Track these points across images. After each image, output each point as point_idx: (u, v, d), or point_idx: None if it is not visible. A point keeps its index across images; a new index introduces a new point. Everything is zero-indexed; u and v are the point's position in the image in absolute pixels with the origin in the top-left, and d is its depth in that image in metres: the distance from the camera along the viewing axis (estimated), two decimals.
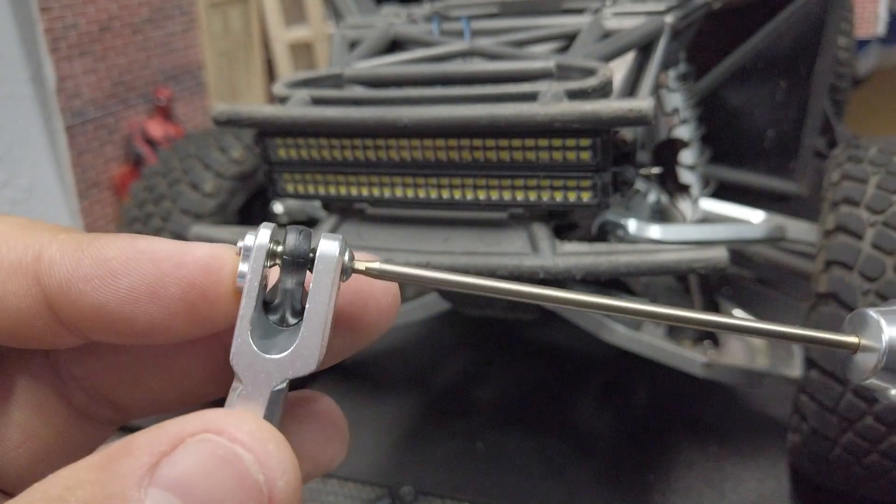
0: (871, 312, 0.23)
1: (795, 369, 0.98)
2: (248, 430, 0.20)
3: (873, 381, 0.23)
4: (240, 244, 0.23)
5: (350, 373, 1.39)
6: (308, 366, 0.23)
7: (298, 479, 0.20)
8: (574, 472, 1.08)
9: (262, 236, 0.23)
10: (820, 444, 0.87)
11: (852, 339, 0.24)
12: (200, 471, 0.19)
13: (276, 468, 0.20)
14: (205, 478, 0.19)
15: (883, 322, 0.23)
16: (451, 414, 1.23)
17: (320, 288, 0.22)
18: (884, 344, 0.23)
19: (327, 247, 0.23)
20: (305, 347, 0.23)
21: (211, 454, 0.20)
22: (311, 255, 0.23)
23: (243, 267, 0.23)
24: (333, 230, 0.86)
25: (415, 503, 1.04)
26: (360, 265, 0.23)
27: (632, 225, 0.92)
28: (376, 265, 0.24)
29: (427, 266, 0.95)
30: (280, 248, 0.23)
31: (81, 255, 0.23)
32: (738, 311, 1.09)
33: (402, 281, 0.24)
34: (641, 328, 1.02)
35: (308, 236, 0.23)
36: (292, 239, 0.23)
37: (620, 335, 0.99)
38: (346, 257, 0.23)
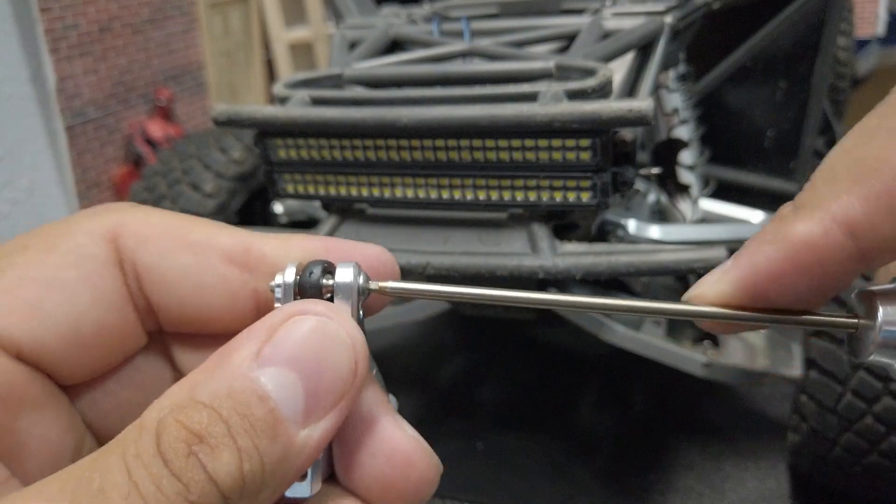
0: (870, 289, 0.24)
1: (795, 369, 0.98)
2: (323, 306, 0.24)
3: (876, 359, 0.23)
4: (271, 284, 0.26)
5: None
6: None
7: (364, 337, 0.25)
8: (574, 472, 1.08)
9: (288, 274, 0.26)
10: (820, 445, 0.88)
11: (852, 319, 0.24)
12: (300, 342, 0.23)
13: (351, 327, 0.24)
14: (305, 346, 0.23)
15: (879, 299, 0.23)
16: (451, 414, 1.23)
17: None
18: (879, 320, 0.23)
19: (343, 274, 0.26)
20: None
21: (304, 328, 0.24)
22: (324, 282, 0.26)
23: (277, 303, 0.26)
24: (333, 230, 0.86)
25: None
26: (374, 285, 0.27)
27: (631, 225, 0.92)
28: (390, 284, 0.27)
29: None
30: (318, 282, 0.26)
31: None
32: None
33: (415, 297, 0.28)
34: (641, 328, 1.02)
35: (322, 270, 0.26)
36: (310, 271, 0.26)
37: (620, 335, 0.99)
38: (362, 280, 0.26)
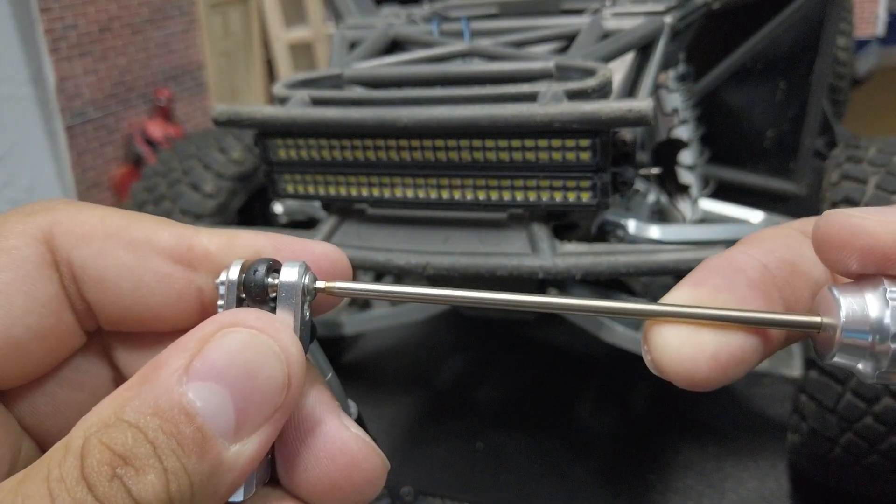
0: (832, 290, 0.23)
1: (795, 369, 0.98)
2: (255, 317, 0.24)
3: (839, 360, 0.23)
4: (217, 281, 0.26)
5: (348, 373, 1.39)
6: None
7: (301, 350, 0.24)
8: (574, 472, 1.08)
9: (232, 273, 0.25)
10: (820, 445, 0.88)
11: (815, 319, 0.24)
12: (230, 356, 0.23)
13: (285, 339, 0.24)
14: (235, 360, 0.23)
15: (841, 299, 0.23)
16: (451, 414, 1.24)
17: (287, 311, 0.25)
18: (841, 320, 0.22)
19: (288, 274, 0.25)
20: None
21: (234, 341, 0.23)
22: (269, 281, 0.25)
23: (220, 301, 0.25)
24: (333, 231, 0.86)
25: (415, 503, 1.05)
26: (321, 285, 0.26)
27: (631, 225, 0.92)
28: (337, 284, 0.26)
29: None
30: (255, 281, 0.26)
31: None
32: None
33: (363, 297, 0.27)
34: (641, 328, 1.02)
35: (267, 268, 0.26)
36: (254, 270, 0.25)
37: (620, 335, 0.99)
38: (307, 279, 0.25)
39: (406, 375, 1.35)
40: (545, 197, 0.76)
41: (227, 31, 2.88)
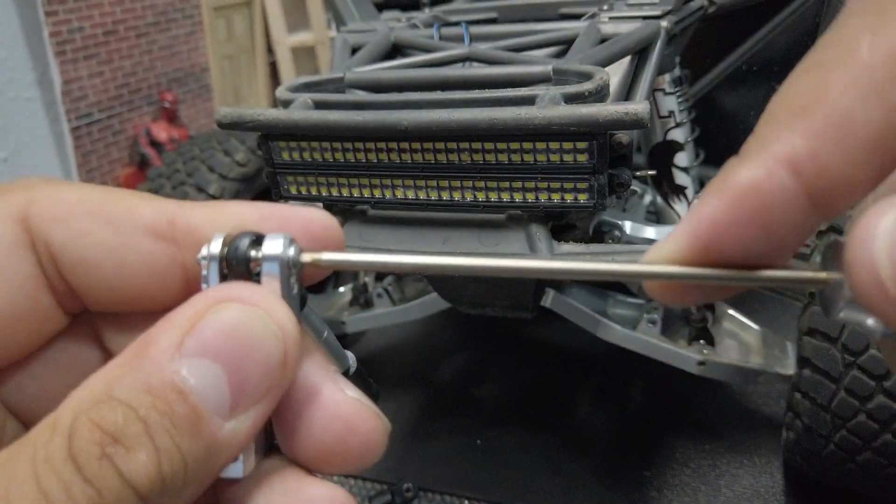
0: (839, 240, 0.21)
1: (789, 367, 0.99)
2: (249, 292, 0.23)
3: (848, 315, 0.21)
4: (198, 256, 0.24)
5: None
6: None
7: (297, 325, 0.23)
8: (571, 469, 1.09)
9: (214, 247, 0.24)
10: (814, 442, 0.89)
11: (821, 275, 0.22)
12: (225, 332, 0.22)
13: (280, 314, 0.23)
14: (230, 337, 0.22)
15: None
16: (451, 411, 1.25)
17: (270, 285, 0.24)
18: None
19: (272, 246, 0.24)
20: None
21: (229, 317, 0.22)
22: (252, 255, 0.24)
23: (204, 276, 0.24)
24: None
25: (415, 499, 1.06)
26: (307, 257, 0.24)
27: (628, 226, 0.93)
28: (324, 256, 0.25)
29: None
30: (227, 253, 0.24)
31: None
32: (731, 310, 1.11)
33: (353, 268, 0.26)
34: (637, 327, 1.03)
35: (250, 241, 0.24)
36: (236, 244, 0.24)
37: (617, 333, 1.01)
38: (293, 252, 0.24)
39: (406, 373, 1.37)
40: (543, 198, 0.77)
41: (230, 35, 2.90)
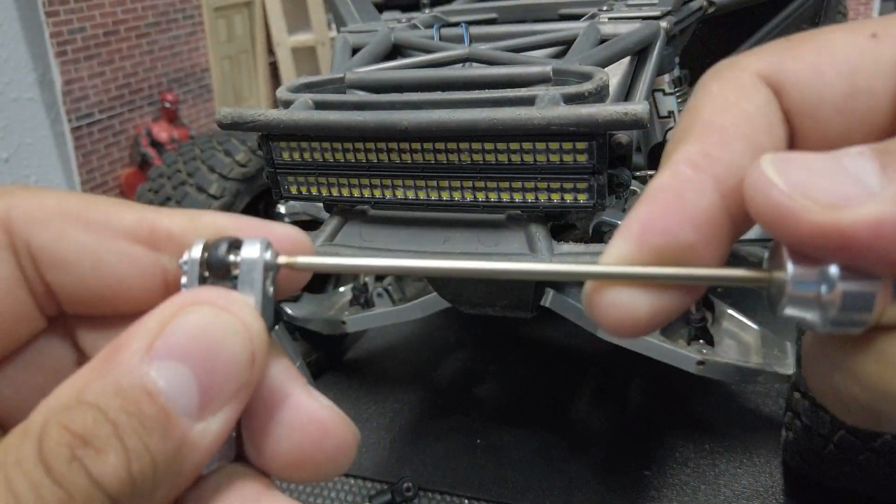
0: (780, 245, 0.22)
1: (788, 367, 1.00)
2: (215, 294, 0.24)
3: (790, 312, 0.22)
4: (180, 261, 0.25)
5: (350, 370, 1.41)
6: None
7: (264, 325, 0.24)
8: (571, 468, 1.10)
9: (195, 251, 0.25)
10: (813, 442, 0.89)
11: (763, 275, 0.23)
12: (192, 334, 0.22)
13: (246, 315, 0.23)
14: (197, 339, 0.22)
15: (788, 249, 0.22)
16: (451, 411, 1.25)
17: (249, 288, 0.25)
18: (789, 272, 0.21)
19: (250, 250, 0.25)
20: None
21: (196, 319, 0.23)
22: (231, 258, 0.25)
23: (183, 280, 0.25)
24: (336, 231, 0.88)
25: (415, 499, 1.06)
26: (283, 260, 0.25)
27: None
28: (300, 259, 0.25)
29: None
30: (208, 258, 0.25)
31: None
32: (731, 310, 1.11)
33: (328, 271, 0.26)
34: None
35: (228, 245, 0.25)
36: (216, 248, 0.25)
37: None
38: (269, 255, 0.25)
39: (407, 373, 1.37)
40: (543, 198, 0.77)
41: (231, 35, 2.90)
